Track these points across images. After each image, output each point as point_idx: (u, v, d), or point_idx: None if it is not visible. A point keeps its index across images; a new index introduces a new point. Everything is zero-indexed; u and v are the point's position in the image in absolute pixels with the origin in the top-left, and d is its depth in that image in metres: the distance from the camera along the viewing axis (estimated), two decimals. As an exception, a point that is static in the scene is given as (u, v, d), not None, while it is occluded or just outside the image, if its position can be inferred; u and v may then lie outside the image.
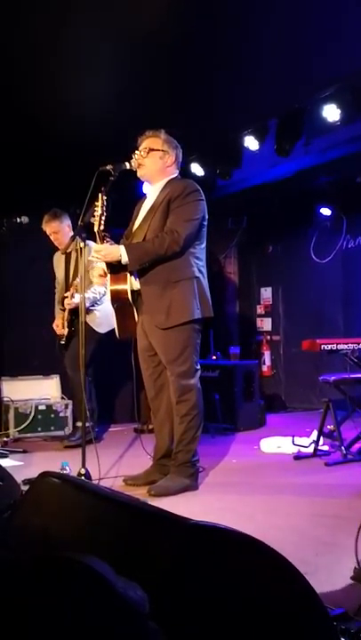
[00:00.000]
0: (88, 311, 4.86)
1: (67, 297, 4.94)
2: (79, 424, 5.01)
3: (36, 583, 0.82)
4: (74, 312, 4.80)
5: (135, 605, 0.84)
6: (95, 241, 3.54)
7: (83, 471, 3.38)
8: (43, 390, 5.85)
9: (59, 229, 5.03)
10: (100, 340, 4.89)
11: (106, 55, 4.22)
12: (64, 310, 4.98)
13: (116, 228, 3.61)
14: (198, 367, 3.59)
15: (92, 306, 4.88)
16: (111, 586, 0.83)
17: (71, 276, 5.01)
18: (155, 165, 3.60)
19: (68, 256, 5.03)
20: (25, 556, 0.92)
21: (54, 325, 5.10)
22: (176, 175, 3.69)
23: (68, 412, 5.69)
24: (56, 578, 0.83)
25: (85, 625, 0.80)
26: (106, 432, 5.78)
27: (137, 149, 3.61)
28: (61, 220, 5.05)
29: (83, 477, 3.33)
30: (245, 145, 5.63)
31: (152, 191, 3.69)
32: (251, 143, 5.57)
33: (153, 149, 3.57)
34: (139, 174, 3.64)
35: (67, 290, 5.00)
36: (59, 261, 5.23)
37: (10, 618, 0.78)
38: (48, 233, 5.10)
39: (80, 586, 0.82)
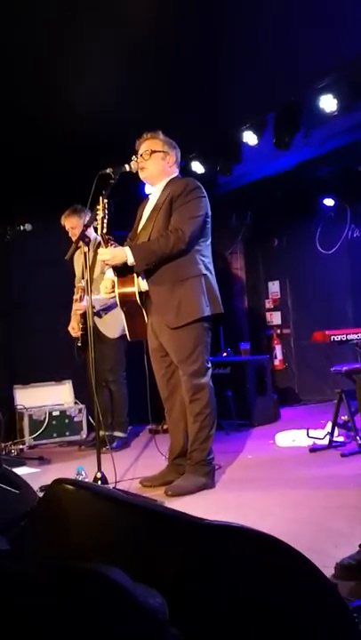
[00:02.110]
0: (100, 315, 4.85)
1: (76, 300, 4.93)
2: (117, 433, 5.02)
3: (54, 596, 0.83)
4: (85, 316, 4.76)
5: (155, 612, 0.85)
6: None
7: (99, 475, 3.38)
8: (56, 396, 5.88)
9: (77, 225, 4.88)
10: (121, 344, 4.87)
11: (103, 56, 4.23)
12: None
13: (119, 231, 3.62)
14: (210, 365, 3.59)
15: (106, 310, 4.84)
16: (130, 595, 0.83)
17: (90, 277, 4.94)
18: (157, 167, 3.60)
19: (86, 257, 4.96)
20: (42, 567, 0.93)
21: (70, 328, 5.09)
22: (177, 175, 3.70)
23: (83, 417, 5.71)
24: (75, 590, 0.83)
25: (106, 635, 0.80)
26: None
27: (136, 152, 3.61)
28: (81, 216, 4.93)
29: (99, 482, 3.34)
30: (244, 140, 5.63)
31: (154, 192, 3.69)
32: (250, 138, 5.57)
33: (155, 151, 3.58)
34: (142, 177, 3.64)
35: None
36: (77, 260, 5.12)
37: (28, 631, 0.78)
38: (66, 228, 5.02)
39: (99, 597, 0.83)
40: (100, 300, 4.69)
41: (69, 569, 0.92)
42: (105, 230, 3.40)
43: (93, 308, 4.78)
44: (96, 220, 3.42)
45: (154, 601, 0.91)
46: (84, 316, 4.83)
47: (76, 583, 0.86)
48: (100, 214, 3.39)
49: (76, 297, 4.94)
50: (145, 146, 3.61)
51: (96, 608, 0.83)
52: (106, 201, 3.38)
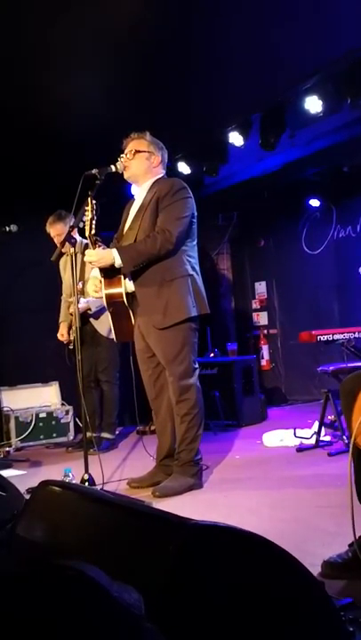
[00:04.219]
0: (97, 316, 4.84)
1: (71, 303, 4.89)
2: (104, 434, 5.00)
3: (31, 592, 0.83)
4: (82, 318, 4.69)
5: (130, 608, 0.85)
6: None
7: (86, 477, 3.37)
8: (42, 398, 5.85)
9: (62, 232, 4.76)
10: (115, 344, 4.77)
11: (89, 57, 4.22)
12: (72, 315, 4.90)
13: (106, 232, 3.61)
14: (197, 366, 3.59)
15: (102, 310, 4.80)
16: (105, 590, 0.84)
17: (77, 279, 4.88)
18: (141, 167, 3.60)
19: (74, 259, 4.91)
20: (23, 567, 0.93)
21: (59, 335, 5.07)
22: (163, 175, 3.70)
23: (70, 418, 5.69)
24: (51, 586, 0.84)
25: (81, 630, 0.80)
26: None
27: (122, 152, 3.61)
28: (65, 222, 4.87)
29: (86, 483, 3.33)
30: (230, 141, 5.64)
31: (140, 192, 3.69)
32: (236, 139, 5.58)
33: (139, 151, 3.57)
34: (126, 176, 3.64)
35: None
36: (65, 265, 5.10)
37: (7, 627, 0.78)
38: (52, 235, 4.97)
39: (74, 592, 0.83)
40: (97, 302, 4.66)
41: (46, 566, 0.92)
42: (93, 231, 3.39)
43: (90, 310, 4.77)
44: (83, 221, 3.41)
45: (129, 596, 0.91)
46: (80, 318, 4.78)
47: (52, 580, 0.86)
48: (88, 215, 3.37)
49: (70, 300, 4.89)
50: (130, 146, 3.61)
51: (71, 603, 0.83)
52: (94, 202, 3.36)
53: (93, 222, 3.38)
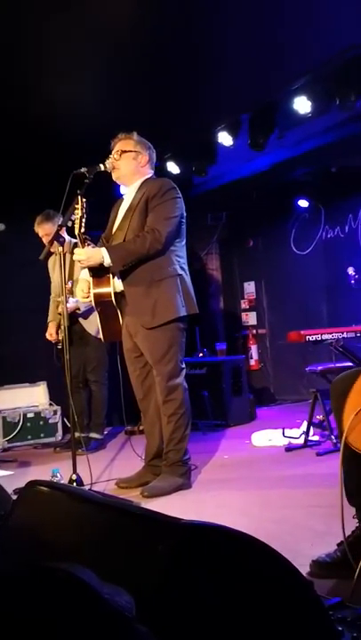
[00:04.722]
0: (86, 316, 4.82)
1: (60, 301, 4.86)
2: (93, 435, 4.99)
3: (20, 594, 0.82)
4: (71, 318, 4.67)
5: (121, 610, 0.84)
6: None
7: (74, 477, 3.35)
8: (30, 398, 5.81)
9: (51, 231, 4.68)
10: (103, 344, 4.69)
11: (81, 57, 4.20)
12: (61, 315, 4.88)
13: (94, 231, 3.60)
14: (184, 366, 3.59)
15: (91, 310, 4.76)
16: (95, 592, 0.83)
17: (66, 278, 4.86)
18: (129, 166, 3.60)
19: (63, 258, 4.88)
20: (11, 568, 0.92)
21: (47, 335, 5.04)
22: (151, 175, 3.69)
23: (58, 419, 5.66)
24: (40, 588, 0.83)
25: (71, 632, 0.79)
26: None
27: (110, 153, 3.61)
28: (54, 222, 4.82)
29: (74, 483, 3.31)
30: (220, 141, 5.64)
31: (128, 192, 3.69)
32: (225, 139, 5.58)
33: (125, 151, 3.57)
34: (114, 177, 3.63)
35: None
36: (54, 264, 5.09)
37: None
38: (40, 235, 4.93)
39: (64, 594, 0.82)
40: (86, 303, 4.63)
41: (35, 568, 0.91)
42: (82, 230, 3.38)
43: (79, 310, 4.75)
44: (71, 220, 3.40)
45: (121, 599, 0.91)
46: (69, 318, 4.75)
47: (41, 582, 0.85)
48: (77, 214, 3.36)
49: (59, 299, 4.86)
50: (117, 146, 3.61)
51: (60, 606, 0.83)
52: (84, 200, 3.35)
53: (83, 221, 3.37)
